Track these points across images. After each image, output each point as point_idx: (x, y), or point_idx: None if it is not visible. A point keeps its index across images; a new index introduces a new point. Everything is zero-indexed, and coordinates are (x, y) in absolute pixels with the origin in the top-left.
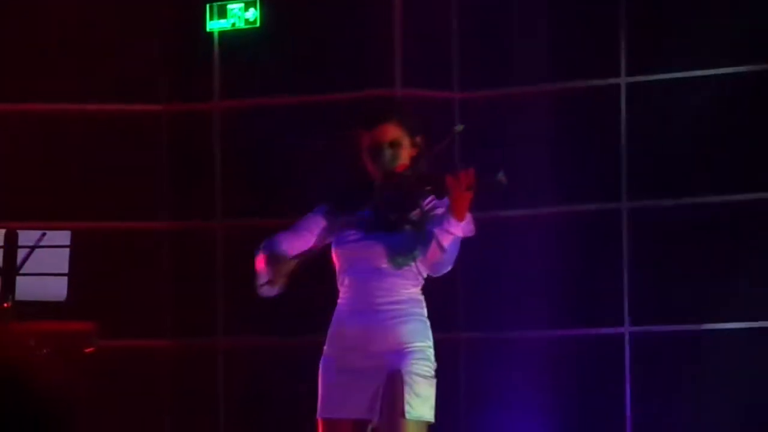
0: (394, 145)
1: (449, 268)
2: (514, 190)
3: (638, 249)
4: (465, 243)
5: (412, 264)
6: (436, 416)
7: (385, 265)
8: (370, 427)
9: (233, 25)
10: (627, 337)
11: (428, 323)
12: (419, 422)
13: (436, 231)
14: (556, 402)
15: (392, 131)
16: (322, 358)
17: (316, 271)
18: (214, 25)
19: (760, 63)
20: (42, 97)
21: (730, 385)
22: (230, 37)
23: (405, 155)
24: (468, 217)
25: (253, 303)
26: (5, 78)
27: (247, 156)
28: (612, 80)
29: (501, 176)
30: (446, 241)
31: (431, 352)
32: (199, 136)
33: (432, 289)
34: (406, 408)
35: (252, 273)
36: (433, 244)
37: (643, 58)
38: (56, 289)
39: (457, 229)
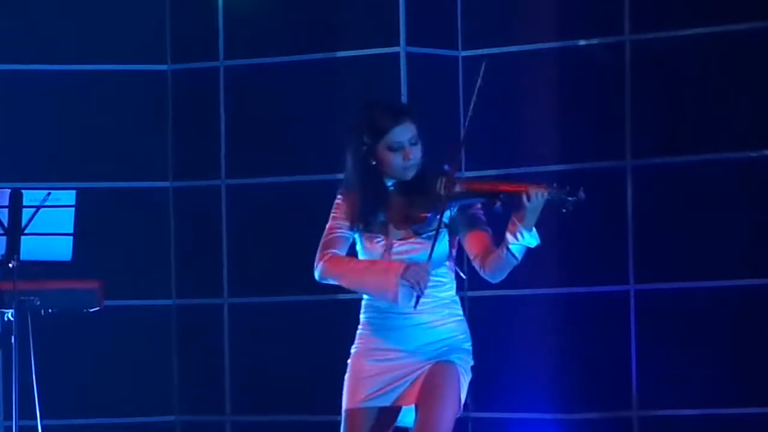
0: (416, 143)
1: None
2: (517, 148)
3: (643, 208)
4: None
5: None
6: None
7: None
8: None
9: None
10: (632, 295)
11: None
12: None
13: (509, 241)
14: (563, 359)
15: (411, 129)
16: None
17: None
18: None
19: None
20: (48, 58)
21: (734, 341)
22: None
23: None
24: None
25: (258, 262)
26: (9, 39)
27: (252, 115)
28: (616, 38)
29: (575, 197)
30: (520, 253)
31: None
32: (204, 96)
33: None
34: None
35: (257, 233)
36: (507, 255)
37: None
38: (61, 249)
39: (531, 239)
